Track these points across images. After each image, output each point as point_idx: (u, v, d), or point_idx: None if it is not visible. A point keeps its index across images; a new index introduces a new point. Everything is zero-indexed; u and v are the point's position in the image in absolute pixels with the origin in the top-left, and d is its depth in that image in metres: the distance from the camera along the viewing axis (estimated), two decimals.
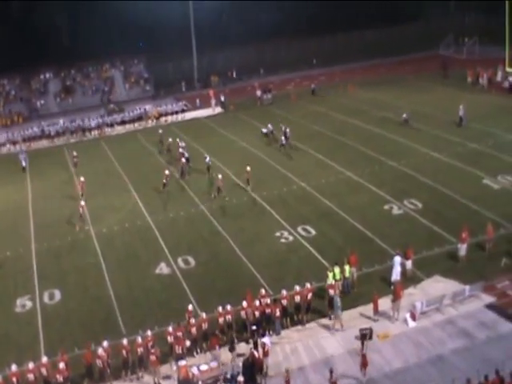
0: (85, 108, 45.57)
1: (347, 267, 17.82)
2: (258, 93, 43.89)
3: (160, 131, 34.32)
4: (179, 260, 20.56)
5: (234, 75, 52.54)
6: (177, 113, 42.36)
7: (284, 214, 23.38)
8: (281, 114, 40.27)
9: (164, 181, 26.39)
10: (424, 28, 58.25)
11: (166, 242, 22.02)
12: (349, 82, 46.29)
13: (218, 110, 43.48)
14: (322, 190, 25.38)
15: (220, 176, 26.03)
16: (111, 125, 40.87)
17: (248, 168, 25.86)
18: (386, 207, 23.05)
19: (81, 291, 19.30)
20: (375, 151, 29.49)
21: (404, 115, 32.91)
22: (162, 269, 20.07)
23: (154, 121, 41.36)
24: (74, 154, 29.49)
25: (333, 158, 29.27)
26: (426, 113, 32.68)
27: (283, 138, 31.31)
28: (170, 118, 42.13)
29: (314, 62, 54.13)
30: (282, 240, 21.34)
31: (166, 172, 26.91)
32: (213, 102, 42.85)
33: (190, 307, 16.72)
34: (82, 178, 26.67)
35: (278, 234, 21.84)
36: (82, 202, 24.63)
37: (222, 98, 43.24)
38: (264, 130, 33.28)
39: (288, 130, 31.61)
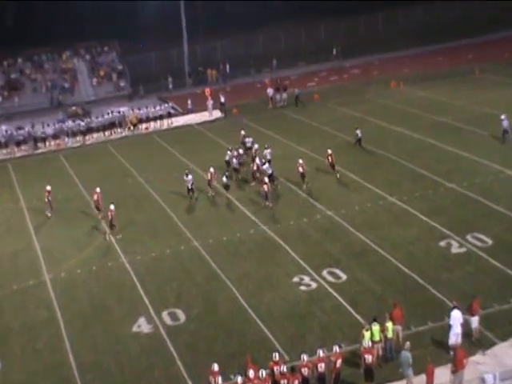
0: (36, 111, 46.49)
1: (390, 325, 17.93)
2: (270, 91, 44.98)
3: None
4: (164, 314, 20.90)
5: (236, 69, 53.97)
6: (161, 118, 43.41)
7: (304, 252, 23.84)
8: (298, 119, 41.43)
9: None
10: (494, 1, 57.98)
11: (147, 291, 22.40)
12: (392, 77, 47.46)
13: (217, 114, 44.54)
14: (355, 221, 25.89)
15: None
16: (73, 134, 41.94)
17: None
18: (443, 244, 23.45)
19: (29, 358, 19.26)
20: (427, 169, 30.08)
21: (505, 122, 31.27)
22: (142, 326, 20.40)
23: (132, 128, 42.64)
24: (48, 188, 29.07)
25: (370, 178, 29.87)
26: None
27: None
28: (151, 125, 43.21)
29: (334, 52, 55.36)
30: (302, 287, 21.67)
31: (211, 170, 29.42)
32: (209, 103, 43.89)
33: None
34: (97, 189, 28.45)
35: (296, 279, 22.23)
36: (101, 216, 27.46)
37: (222, 99, 44.20)
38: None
39: (330, 153, 30.37)
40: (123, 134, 42.44)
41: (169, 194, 30.60)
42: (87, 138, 42.00)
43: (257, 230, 26.13)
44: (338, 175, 30.03)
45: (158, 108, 43.66)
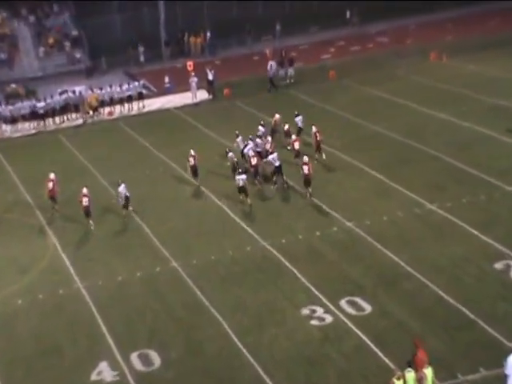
0: None
1: (429, 370, 18.16)
2: (272, 66, 45.29)
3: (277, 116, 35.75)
4: (133, 357, 20.92)
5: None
6: (130, 100, 43.70)
7: (317, 275, 23.92)
8: (309, 102, 41.57)
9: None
10: None
11: (111, 326, 22.38)
12: (431, 47, 47.69)
13: (203, 95, 44.80)
14: (382, 235, 25.99)
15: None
16: (12, 120, 42.18)
17: None
18: (499, 266, 23.46)
19: None
20: (479, 167, 30.20)
21: None
22: (103, 373, 20.40)
23: (91, 113, 42.84)
24: None
25: (402, 179, 30.01)
26: None
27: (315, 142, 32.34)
28: (117, 110, 43.57)
29: (348, 15, 55.65)
30: (314, 322, 21.72)
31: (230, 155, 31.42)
32: (193, 81, 44.16)
33: None
34: (52, 175, 30.36)
35: (306, 311, 22.26)
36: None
37: (210, 76, 44.59)
38: (261, 130, 33.75)
39: (315, 130, 32.54)
40: (79, 121, 42.60)
41: (140, 200, 30.72)
42: (31, 125, 42.06)
43: (255, 246, 26.21)
44: (324, 156, 32.22)
45: (125, 87, 43.88)
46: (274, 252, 25.64)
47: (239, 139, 32.79)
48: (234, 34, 54.58)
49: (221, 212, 29.26)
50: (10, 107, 42.35)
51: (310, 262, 24.75)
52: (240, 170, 29.71)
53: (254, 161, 30.65)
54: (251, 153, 31.19)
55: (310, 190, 29.29)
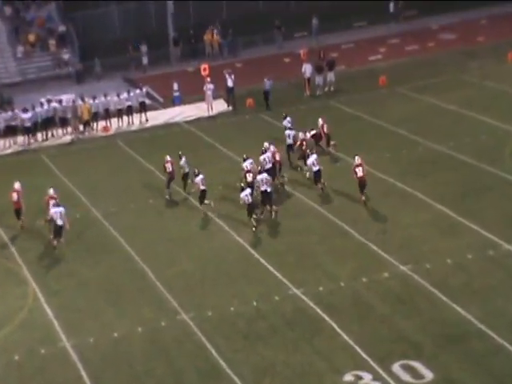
0: None
1: None
2: (307, 69, 45.84)
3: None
4: None
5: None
6: (130, 112, 44.22)
7: (363, 332, 23.89)
8: (354, 115, 41.87)
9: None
10: None
11: None
12: (509, 46, 47.89)
13: (220, 106, 45.31)
14: (447, 283, 25.94)
15: None
16: None
17: None
18: None
19: None
20: None
21: None
22: None
23: (81, 128, 43.41)
24: None
25: (471, 212, 30.07)
26: None
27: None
28: (114, 124, 44.09)
29: (391, 7, 55.80)
30: None
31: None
32: (208, 88, 44.59)
33: None
34: (17, 185, 32.73)
35: (349, 377, 22.18)
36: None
37: (230, 82, 45.14)
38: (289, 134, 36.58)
39: (322, 122, 35.50)
40: (67, 139, 43.11)
41: (141, 236, 31.09)
42: (6, 143, 42.66)
43: (285, 295, 26.30)
44: (332, 148, 36.06)
45: (124, 96, 44.31)
46: (309, 303, 25.68)
47: (183, 161, 34.07)
48: (259, 31, 55.14)
49: (242, 251, 29.47)
50: None
51: (355, 316, 24.73)
52: (242, 185, 31.17)
53: (249, 177, 32.06)
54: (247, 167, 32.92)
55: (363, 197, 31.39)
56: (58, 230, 30.48)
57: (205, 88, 44.47)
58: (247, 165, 33.13)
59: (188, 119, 44.34)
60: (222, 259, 29.11)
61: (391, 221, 30.50)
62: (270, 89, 44.30)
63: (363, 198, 31.64)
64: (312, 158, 33.08)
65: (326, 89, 45.87)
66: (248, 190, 30.85)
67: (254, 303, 25.99)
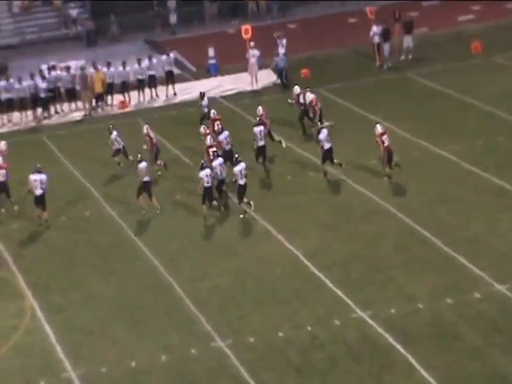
0: None
1: None
2: (376, 33, 45.98)
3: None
4: None
5: None
6: (153, 83, 44.71)
7: (447, 367, 23.58)
8: (437, 91, 41.80)
9: None
10: None
11: None
12: None
13: (267, 77, 45.78)
14: None
15: None
16: None
17: None
18: None
19: None
20: None
21: None
22: None
23: (93, 102, 43.82)
24: None
25: None
26: None
27: None
28: (133, 99, 44.66)
29: None
30: None
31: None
32: (253, 55, 44.95)
33: None
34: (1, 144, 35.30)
35: None
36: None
37: (280, 48, 45.39)
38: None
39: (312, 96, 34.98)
40: (74, 115, 43.59)
41: (167, 240, 31.48)
42: (2, 120, 43.39)
43: (347, 318, 26.28)
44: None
45: (146, 63, 44.66)
46: (378, 329, 25.64)
47: (114, 135, 36.36)
48: None
49: (293, 262, 29.52)
50: None
51: (436, 347, 24.57)
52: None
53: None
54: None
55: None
56: (38, 200, 32.23)
57: (248, 55, 44.74)
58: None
59: (226, 93, 44.72)
60: (266, 272, 29.19)
61: (485, 226, 30.39)
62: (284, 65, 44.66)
63: (388, 170, 33.50)
64: (324, 134, 34.22)
65: (403, 57, 45.96)
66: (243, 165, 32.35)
67: (309, 328, 25.98)
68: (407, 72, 44.59)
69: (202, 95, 39.45)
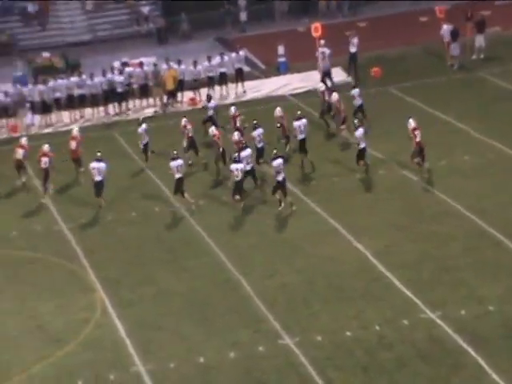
0: None
1: None
2: (445, 32, 45.64)
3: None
4: None
5: None
6: (224, 80, 44.85)
7: None
8: (509, 91, 41.50)
9: None
10: None
11: None
12: None
13: (338, 75, 45.71)
14: None
15: None
16: (44, 107, 43.67)
17: None
18: None
19: None
20: None
21: None
22: None
23: (164, 99, 44.14)
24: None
25: None
26: None
27: None
28: (203, 96, 43.84)
29: None
30: None
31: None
32: (323, 53, 44.66)
33: None
34: (75, 131, 37.72)
35: None
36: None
37: (352, 47, 45.39)
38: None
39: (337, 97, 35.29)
40: (147, 112, 43.82)
41: (236, 238, 31.74)
42: (73, 116, 43.70)
43: (416, 318, 26.19)
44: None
45: (216, 61, 44.88)
46: (448, 330, 25.47)
47: (142, 128, 37.68)
48: None
49: (362, 261, 29.55)
50: (41, 88, 43.75)
51: (508, 350, 24.34)
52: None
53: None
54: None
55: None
56: (96, 187, 34.04)
57: (317, 53, 44.61)
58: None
59: (296, 92, 44.63)
60: (335, 271, 29.18)
61: None
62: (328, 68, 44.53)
63: (417, 161, 34.32)
64: (361, 132, 34.81)
65: (475, 56, 45.61)
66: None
67: (377, 328, 25.92)
68: (479, 71, 44.27)
69: (209, 98, 40.15)
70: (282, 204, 32.79)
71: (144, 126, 37.20)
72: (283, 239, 31.45)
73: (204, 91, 44.14)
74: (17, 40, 52.48)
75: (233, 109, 37.89)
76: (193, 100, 44.42)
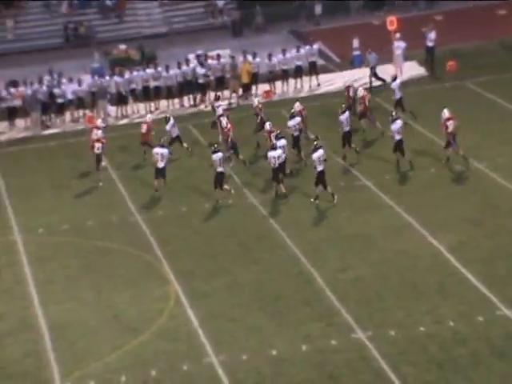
0: (45, 49, 51.17)
1: None
2: None
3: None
4: None
5: None
6: (299, 73, 44.79)
7: None
8: None
9: None
10: None
11: None
12: None
13: (413, 70, 45.62)
14: None
15: None
16: (120, 99, 44.16)
17: None
18: None
19: None
20: None
21: None
22: None
23: (238, 91, 44.25)
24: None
25: None
26: None
27: None
28: (278, 89, 44.74)
29: None
30: None
31: None
32: (398, 47, 44.71)
33: None
34: (148, 117, 39.32)
35: None
36: None
37: (429, 41, 44.98)
38: None
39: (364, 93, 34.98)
40: (222, 103, 43.76)
41: (309, 231, 31.55)
42: (148, 107, 44.06)
43: (492, 315, 25.95)
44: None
45: (291, 54, 44.88)
46: None
47: (170, 124, 38.25)
48: None
49: (436, 256, 29.39)
50: (118, 79, 44.12)
51: None
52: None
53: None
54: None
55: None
56: (158, 172, 34.83)
57: (393, 46, 44.40)
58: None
59: (369, 85, 44.23)
60: (408, 265, 29.04)
61: None
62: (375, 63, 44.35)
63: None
64: (398, 125, 34.97)
65: None
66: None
67: (451, 323, 25.73)
68: None
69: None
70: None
71: (172, 121, 37.98)
72: (356, 233, 31.30)
73: (278, 84, 44.22)
74: (94, 32, 53.10)
75: (296, 105, 37.60)
76: (267, 93, 44.38)
